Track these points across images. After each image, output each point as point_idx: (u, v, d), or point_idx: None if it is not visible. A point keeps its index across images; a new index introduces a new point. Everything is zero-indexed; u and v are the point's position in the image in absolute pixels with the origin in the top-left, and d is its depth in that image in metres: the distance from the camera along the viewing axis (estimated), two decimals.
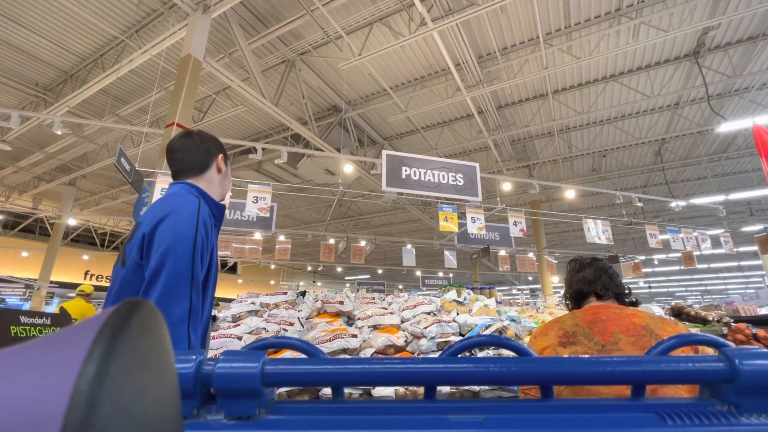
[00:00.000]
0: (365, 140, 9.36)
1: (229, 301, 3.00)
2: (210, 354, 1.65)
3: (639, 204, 7.67)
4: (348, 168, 7.53)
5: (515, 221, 6.74)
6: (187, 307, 1.02)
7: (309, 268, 24.14)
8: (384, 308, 2.39)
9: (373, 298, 2.72)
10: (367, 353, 1.95)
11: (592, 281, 1.28)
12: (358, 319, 2.27)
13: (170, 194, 1.16)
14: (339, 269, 20.59)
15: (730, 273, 22.29)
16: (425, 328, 2.02)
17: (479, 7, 5.07)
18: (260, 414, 0.52)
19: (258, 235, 8.65)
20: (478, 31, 6.30)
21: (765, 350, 0.52)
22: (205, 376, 0.51)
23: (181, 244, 1.03)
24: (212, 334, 2.01)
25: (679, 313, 3.84)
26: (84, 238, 16.94)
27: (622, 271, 10.76)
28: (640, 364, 0.55)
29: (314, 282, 25.23)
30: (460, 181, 4.62)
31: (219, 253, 8.45)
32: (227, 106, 8.03)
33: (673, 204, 8.30)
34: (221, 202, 1.28)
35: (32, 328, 3.84)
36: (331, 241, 10.12)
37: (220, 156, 1.29)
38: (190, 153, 1.24)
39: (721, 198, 9.99)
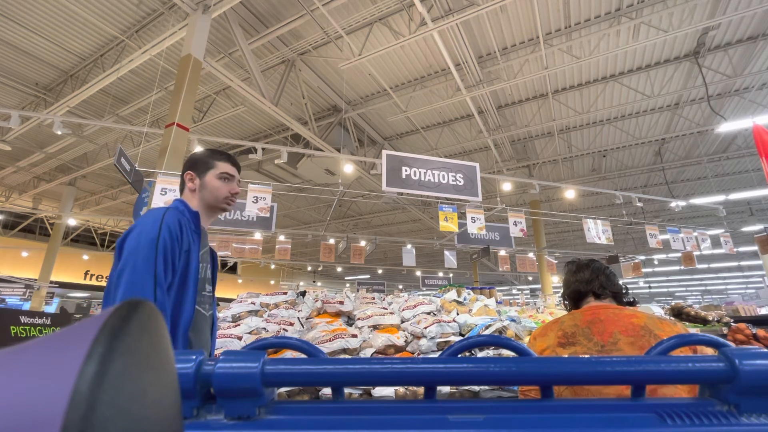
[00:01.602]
0: (365, 140, 9.36)
1: (229, 301, 3.00)
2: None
3: (639, 204, 7.66)
4: (348, 168, 7.53)
5: (515, 221, 6.73)
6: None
7: (309, 268, 24.15)
8: (384, 308, 2.39)
9: (373, 298, 2.72)
10: (367, 353, 1.95)
11: (590, 281, 1.29)
12: (358, 319, 2.27)
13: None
14: (339, 269, 20.58)
15: (730, 273, 22.29)
16: (425, 328, 2.02)
17: (479, 7, 5.07)
18: (260, 414, 0.52)
19: (258, 235, 8.65)
20: (478, 31, 6.30)
21: (765, 350, 0.52)
22: (205, 376, 0.51)
23: (143, 247, 1.11)
24: None
25: (679, 313, 3.84)
26: (84, 238, 16.95)
27: (623, 271, 10.77)
28: (640, 364, 0.55)
29: (314, 282, 25.23)
30: (460, 181, 4.62)
31: (219, 253, 8.45)
32: (227, 106, 8.03)
33: (673, 204, 8.30)
34: (217, 209, 1.40)
35: (32, 328, 3.83)
36: (331, 241, 10.11)
37: (187, 174, 1.40)
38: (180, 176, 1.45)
39: (721, 198, 9.99)
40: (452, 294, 2.68)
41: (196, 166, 1.40)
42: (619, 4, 5.83)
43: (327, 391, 1.57)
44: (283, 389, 1.58)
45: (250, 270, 21.66)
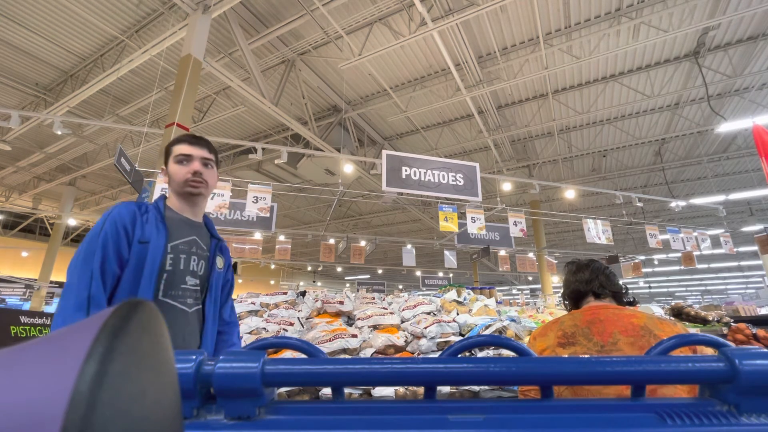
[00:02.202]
0: (365, 140, 9.36)
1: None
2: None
3: (639, 204, 7.67)
4: (348, 168, 7.53)
5: (515, 221, 6.74)
6: (85, 296, 1.10)
7: (309, 268, 24.15)
8: (384, 308, 2.39)
9: (373, 298, 2.72)
10: (367, 353, 1.95)
11: (589, 281, 1.29)
12: (358, 319, 2.27)
13: None
14: (339, 269, 20.59)
15: (730, 273, 22.29)
16: (425, 328, 2.02)
17: (479, 7, 5.07)
18: (260, 414, 0.52)
19: (258, 235, 8.65)
20: (478, 31, 6.30)
21: (765, 350, 0.52)
22: (205, 377, 0.51)
23: (86, 242, 1.16)
24: None
25: (679, 313, 3.84)
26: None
27: (623, 271, 10.77)
28: (640, 364, 0.55)
29: (314, 282, 25.23)
30: (460, 181, 4.62)
31: None
32: (227, 106, 8.03)
33: (673, 204, 8.30)
34: (185, 195, 1.35)
35: (32, 328, 3.83)
36: (331, 241, 10.11)
37: (161, 170, 1.42)
38: None
39: (721, 198, 9.99)
40: (452, 294, 2.67)
41: (164, 158, 1.39)
42: (619, 4, 5.83)
43: (327, 391, 1.57)
44: (283, 389, 1.58)
45: (250, 270, 21.65)
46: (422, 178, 4.43)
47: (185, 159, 1.32)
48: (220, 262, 1.41)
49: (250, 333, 2.16)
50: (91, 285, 1.11)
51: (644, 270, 13.52)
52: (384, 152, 4.39)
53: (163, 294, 1.22)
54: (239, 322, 2.27)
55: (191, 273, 1.29)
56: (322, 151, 7.69)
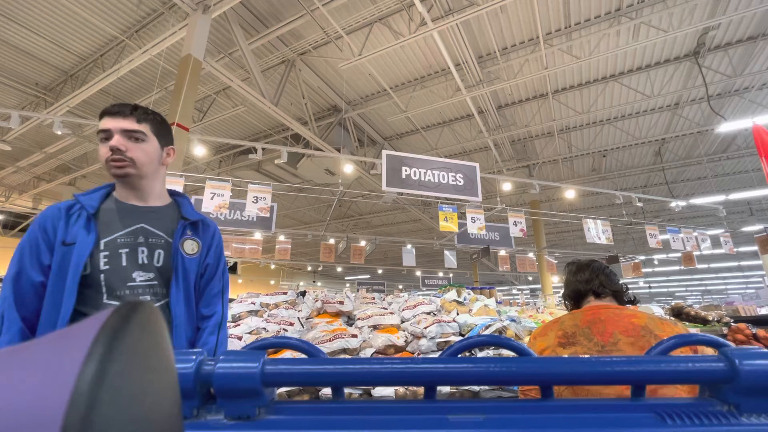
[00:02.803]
0: (365, 140, 9.36)
1: (229, 301, 2.99)
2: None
3: (639, 204, 7.66)
4: (348, 168, 7.52)
5: (515, 221, 6.73)
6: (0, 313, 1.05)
7: (309, 268, 24.14)
8: (384, 308, 2.39)
9: (373, 298, 2.72)
10: (367, 353, 1.95)
11: (590, 281, 1.29)
12: (358, 319, 2.27)
13: None
14: (339, 269, 20.59)
15: (730, 273, 22.29)
16: (425, 328, 2.02)
17: (479, 7, 5.07)
18: (260, 414, 0.52)
19: (258, 235, 8.65)
20: (478, 31, 6.30)
21: (765, 350, 0.52)
22: (205, 376, 0.51)
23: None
24: None
25: (679, 313, 3.84)
26: None
27: (623, 271, 10.76)
28: (640, 364, 0.55)
29: (314, 282, 25.23)
30: (460, 181, 4.62)
31: None
32: (227, 106, 8.03)
33: (673, 204, 8.29)
34: (115, 177, 1.16)
35: None
36: (331, 241, 10.11)
37: None
38: None
39: (721, 198, 9.98)
40: (452, 294, 2.67)
41: None
42: (619, 4, 5.83)
43: (327, 391, 1.57)
44: (283, 389, 1.58)
45: (250, 270, 21.65)
46: (422, 178, 4.43)
47: (105, 136, 1.12)
48: (190, 246, 1.21)
49: (250, 333, 2.16)
50: (4, 301, 1.04)
51: (644, 270, 13.51)
52: (384, 152, 4.39)
53: (108, 296, 1.08)
54: (240, 322, 2.27)
55: (140, 267, 1.13)
56: (322, 151, 7.69)
